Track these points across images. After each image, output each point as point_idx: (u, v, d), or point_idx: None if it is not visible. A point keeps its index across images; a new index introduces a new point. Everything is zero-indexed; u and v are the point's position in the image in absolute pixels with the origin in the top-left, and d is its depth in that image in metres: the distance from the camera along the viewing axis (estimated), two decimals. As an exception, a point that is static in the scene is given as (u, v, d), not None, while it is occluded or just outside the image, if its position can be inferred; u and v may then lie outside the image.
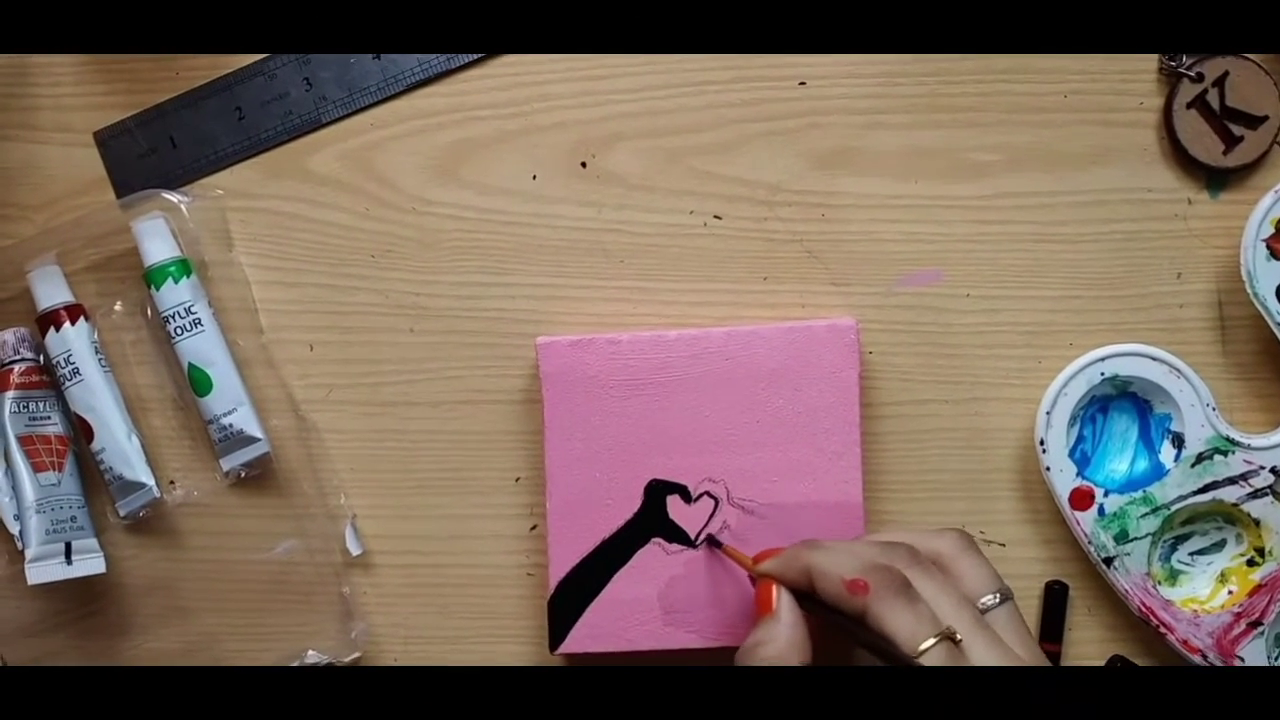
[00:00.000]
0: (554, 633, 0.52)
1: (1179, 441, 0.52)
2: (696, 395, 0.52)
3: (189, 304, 0.53)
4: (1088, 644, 0.54)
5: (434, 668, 0.53)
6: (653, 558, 0.52)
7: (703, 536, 0.52)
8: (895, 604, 0.41)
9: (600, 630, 0.52)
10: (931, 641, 0.41)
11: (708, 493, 0.52)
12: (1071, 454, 0.52)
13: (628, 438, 0.52)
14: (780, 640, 0.44)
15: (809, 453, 0.51)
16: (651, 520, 0.52)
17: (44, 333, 0.54)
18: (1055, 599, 0.53)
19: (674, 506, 0.52)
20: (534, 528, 0.54)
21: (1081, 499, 0.52)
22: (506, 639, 0.55)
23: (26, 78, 0.55)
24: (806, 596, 0.45)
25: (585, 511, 0.52)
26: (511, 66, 0.54)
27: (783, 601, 0.45)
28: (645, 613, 0.52)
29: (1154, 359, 0.51)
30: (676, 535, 0.52)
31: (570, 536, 0.52)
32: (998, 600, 0.44)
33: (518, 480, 0.55)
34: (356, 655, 0.55)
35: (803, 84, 0.54)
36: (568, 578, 0.52)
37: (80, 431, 0.54)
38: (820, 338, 0.51)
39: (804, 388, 0.51)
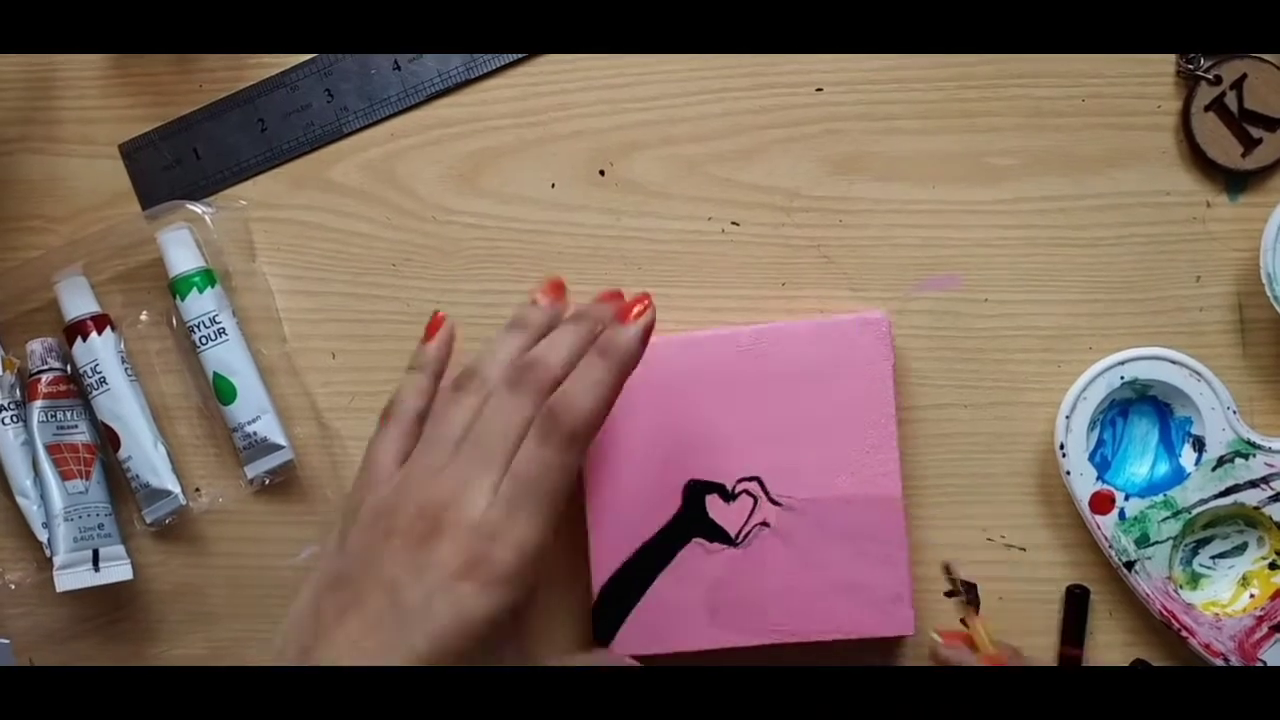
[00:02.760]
0: (599, 636, 0.52)
1: (1200, 445, 0.52)
2: (730, 394, 0.52)
3: (213, 313, 0.54)
4: (1109, 648, 0.54)
5: (455, 669, 0.53)
6: (695, 558, 0.52)
7: (746, 533, 0.52)
8: None
9: (646, 633, 0.52)
10: None
11: (746, 491, 0.52)
12: (1092, 458, 0.52)
13: (664, 439, 0.52)
14: None
15: (845, 447, 0.51)
16: (692, 520, 0.52)
17: (71, 343, 0.54)
18: (1077, 604, 0.53)
19: (713, 506, 0.52)
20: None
21: (1102, 503, 0.52)
22: (544, 641, 0.55)
23: (52, 91, 0.56)
24: None
25: (625, 514, 0.52)
26: (530, 76, 0.54)
27: None
28: (690, 614, 0.52)
29: (1174, 362, 0.51)
30: (717, 534, 0.52)
31: (611, 539, 0.52)
32: None
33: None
34: (380, 660, 0.55)
35: (820, 90, 0.54)
36: (611, 582, 0.52)
37: (107, 440, 0.54)
38: (851, 332, 0.51)
39: (837, 383, 0.51)
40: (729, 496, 0.52)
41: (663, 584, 0.52)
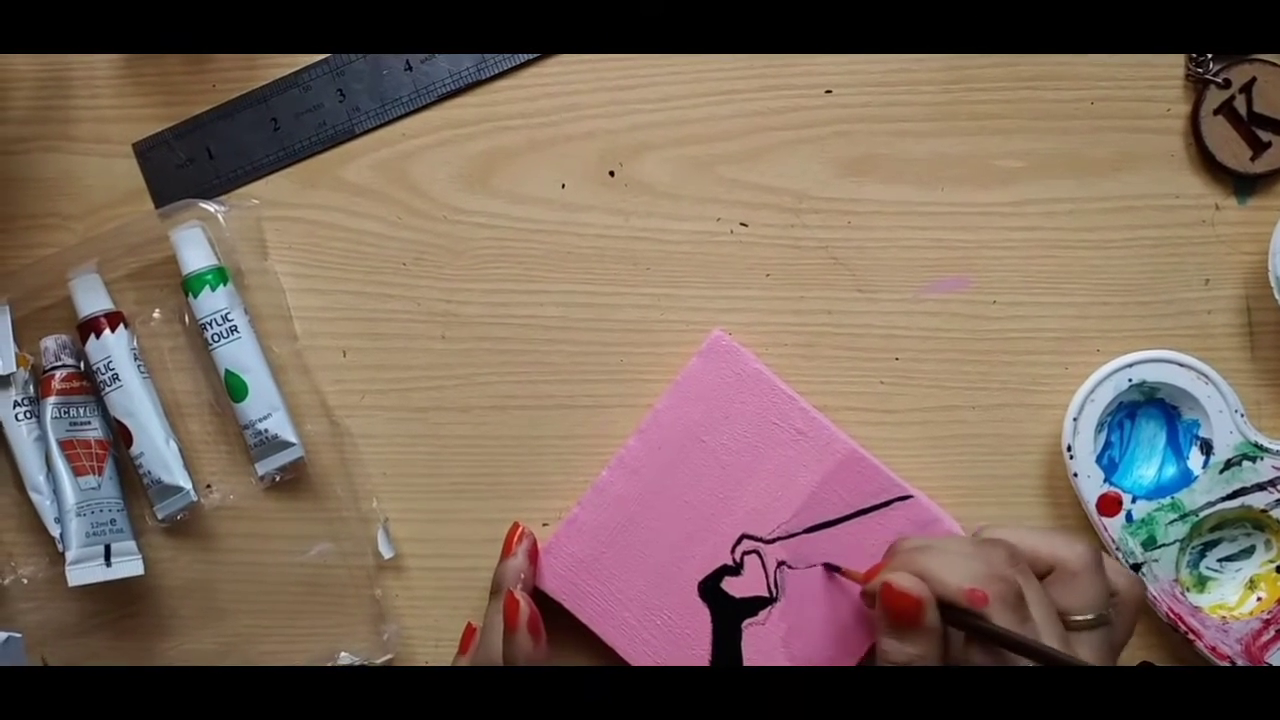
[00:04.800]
0: None
1: (1207, 448, 0.52)
2: (669, 494, 0.52)
3: (225, 311, 0.54)
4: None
5: (465, 668, 0.53)
6: (757, 639, 0.52)
7: (775, 583, 0.52)
8: (1009, 618, 0.43)
9: None
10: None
11: (745, 551, 0.52)
12: (1099, 460, 0.52)
13: (634, 583, 0.52)
14: (934, 651, 0.44)
15: (782, 453, 0.52)
16: (727, 613, 0.52)
17: (84, 340, 0.55)
18: None
19: (732, 586, 0.52)
20: (545, 524, 0.55)
21: (1109, 505, 0.52)
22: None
23: (66, 90, 0.56)
24: None
25: (667, 655, 0.52)
26: (540, 77, 0.55)
27: (929, 615, 0.44)
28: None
29: (1182, 365, 0.51)
30: (754, 605, 0.52)
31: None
32: (1091, 620, 0.44)
33: (548, 484, 0.55)
34: (388, 657, 0.55)
35: (829, 92, 0.54)
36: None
37: (120, 436, 0.55)
38: (708, 369, 0.52)
39: (735, 411, 0.52)
40: (737, 569, 0.52)
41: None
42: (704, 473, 0.52)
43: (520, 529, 0.53)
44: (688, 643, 0.52)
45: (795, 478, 0.52)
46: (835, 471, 0.52)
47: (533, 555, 0.52)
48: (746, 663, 0.52)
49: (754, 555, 0.52)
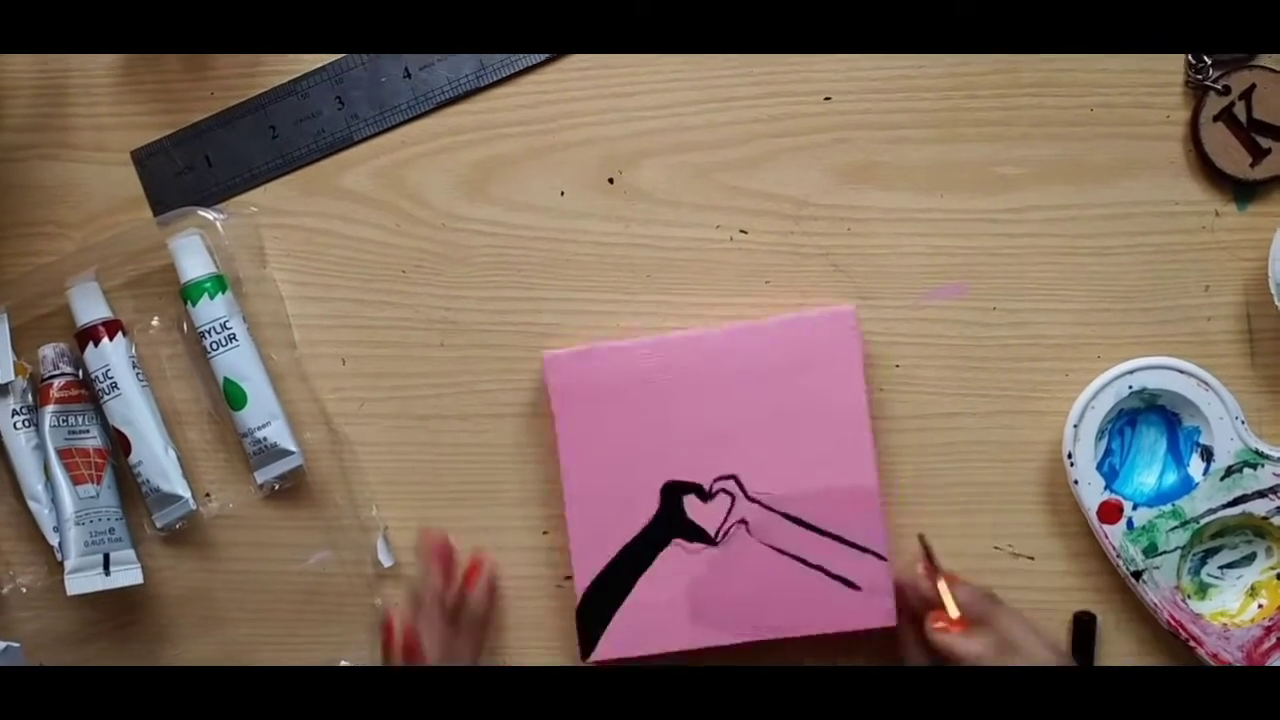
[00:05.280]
0: (584, 641, 0.52)
1: (1208, 455, 0.52)
2: (703, 394, 0.52)
3: (224, 319, 0.54)
4: (1117, 658, 0.54)
5: (455, 668, 0.53)
6: (675, 559, 0.52)
7: (725, 532, 0.52)
8: None
9: (629, 635, 0.52)
10: None
11: (723, 489, 0.52)
12: (1100, 467, 0.52)
13: (639, 442, 0.52)
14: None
15: (820, 442, 0.52)
16: (670, 522, 0.52)
17: (83, 348, 0.55)
18: (1083, 630, 0.53)
19: (691, 506, 0.52)
20: (545, 533, 0.55)
21: (1110, 512, 0.52)
22: (535, 648, 0.55)
23: (65, 99, 0.56)
24: None
25: (604, 518, 0.52)
26: (539, 84, 0.55)
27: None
28: (672, 614, 0.52)
29: (1182, 372, 0.51)
30: (696, 534, 0.52)
31: (592, 545, 0.52)
32: None
33: (546, 490, 0.55)
34: (388, 665, 0.55)
35: (828, 99, 0.54)
36: (593, 586, 0.52)
37: (118, 444, 0.55)
38: (819, 326, 0.52)
39: (808, 377, 0.51)
40: (706, 496, 0.52)
41: (644, 587, 0.52)
42: (748, 399, 0.52)
43: (484, 562, 0.53)
44: (621, 520, 0.52)
45: (811, 470, 0.51)
46: (846, 491, 0.51)
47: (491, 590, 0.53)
48: (649, 573, 0.52)
49: (727, 497, 0.52)
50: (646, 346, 0.52)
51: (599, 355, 0.52)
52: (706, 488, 0.52)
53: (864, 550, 0.51)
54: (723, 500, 0.52)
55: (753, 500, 0.52)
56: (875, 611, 0.51)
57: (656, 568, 0.52)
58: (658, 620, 0.52)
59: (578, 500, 0.52)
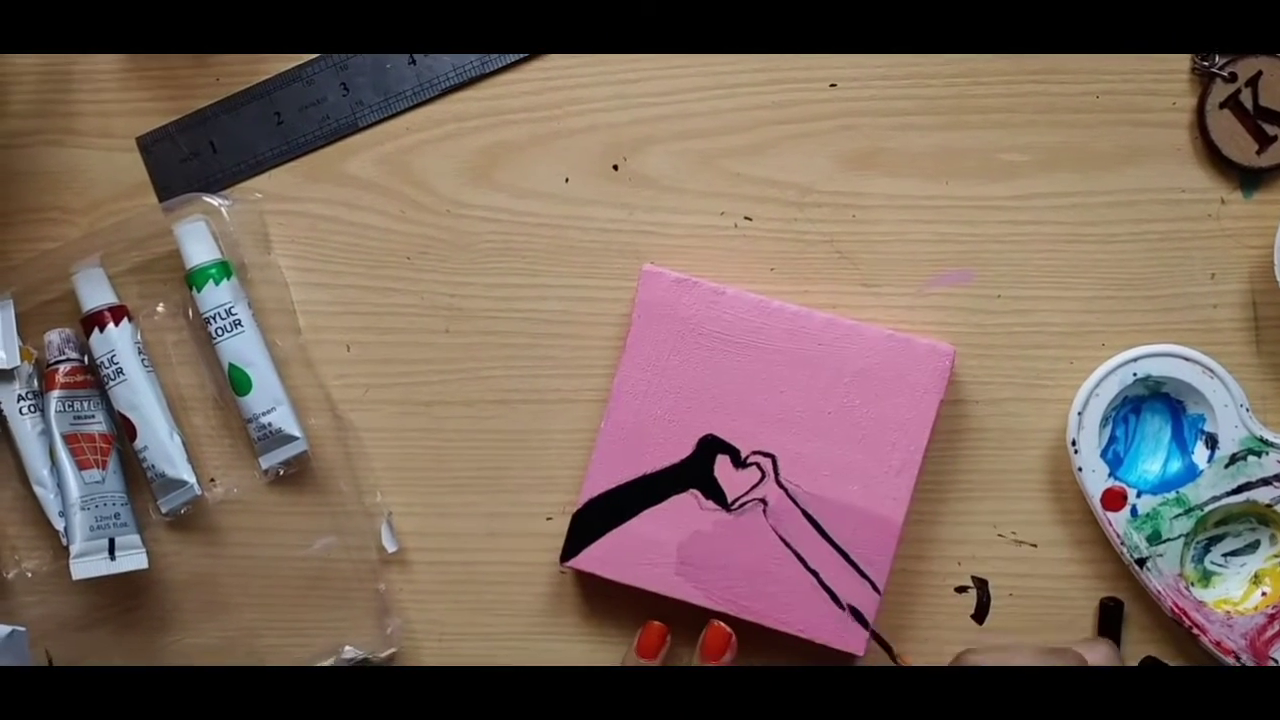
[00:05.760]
0: (569, 546, 0.53)
1: (1212, 442, 0.52)
2: (778, 368, 0.52)
3: (229, 305, 0.54)
4: (1120, 645, 0.54)
5: (466, 668, 0.53)
6: (686, 507, 0.52)
7: (741, 504, 0.52)
8: None
9: (612, 558, 0.52)
10: None
11: (758, 464, 0.52)
12: (1104, 454, 0.52)
13: (698, 387, 0.52)
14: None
15: (868, 459, 0.52)
16: (697, 472, 0.52)
17: (88, 333, 0.55)
18: (1109, 616, 0.53)
19: (721, 466, 0.52)
20: (549, 519, 0.55)
21: (1114, 500, 0.52)
22: (541, 635, 0.55)
23: (70, 84, 0.56)
24: None
25: (635, 443, 0.52)
26: (544, 70, 0.55)
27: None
28: (661, 556, 0.52)
29: (1187, 359, 0.51)
30: (715, 493, 0.52)
31: (613, 461, 0.52)
32: None
33: (549, 477, 0.55)
34: (392, 651, 0.55)
35: (834, 86, 0.54)
36: (599, 498, 0.52)
37: (124, 430, 0.55)
38: (917, 356, 0.52)
39: (885, 396, 0.52)
40: (740, 463, 0.52)
41: (646, 520, 0.52)
42: (818, 391, 0.52)
43: (663, 636, 0.53)
44: (651, 450, 0.52)
45: (848, 482, 0.52)
46: (871, 517, 0.52)
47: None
48: (656, 509, 0.52)
49: (758, 472, 0.52)
50: (744, 302, 0.52)
51: (699, 289, 0.52)
52: (743, 455, 0.52)
53: (863, 575, 0.52)
54: (753, 473, 0.52)
55: (780, 485, 0.52)
56: (850, 636, 0.52)
57: (665, 507, 0.52)
58: (645, 556, 0.52)
59: (618, 415, 0.52)
